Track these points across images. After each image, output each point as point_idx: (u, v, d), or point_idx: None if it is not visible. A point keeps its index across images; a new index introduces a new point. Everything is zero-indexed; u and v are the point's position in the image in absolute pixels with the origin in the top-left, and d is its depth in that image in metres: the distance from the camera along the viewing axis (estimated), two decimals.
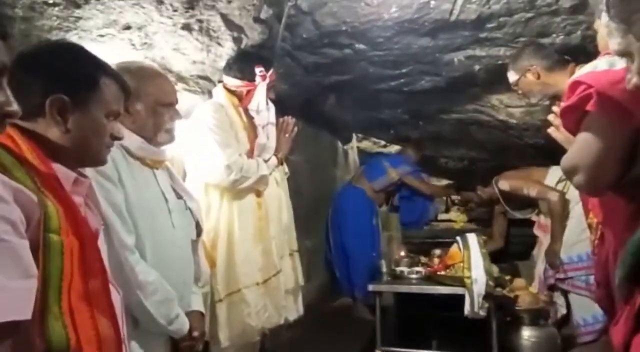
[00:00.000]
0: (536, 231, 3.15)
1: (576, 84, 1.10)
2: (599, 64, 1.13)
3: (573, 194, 2.66)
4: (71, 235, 0.85)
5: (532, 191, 3.02)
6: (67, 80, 0.96)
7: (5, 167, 0.81)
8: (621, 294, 1.01)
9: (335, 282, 3.98)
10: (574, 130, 1.13)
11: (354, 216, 3.87)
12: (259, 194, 2.06)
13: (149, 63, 1.84)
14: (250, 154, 2.06)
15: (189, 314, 1.47)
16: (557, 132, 1.31)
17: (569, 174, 1.11)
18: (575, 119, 1.10)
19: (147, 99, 1.45)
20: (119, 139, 1.10)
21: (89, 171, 1.08)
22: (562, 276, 2.71)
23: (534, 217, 3.17)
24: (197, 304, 1.56)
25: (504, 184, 3.18)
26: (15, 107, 0.75)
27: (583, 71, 1.15)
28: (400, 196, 4.44)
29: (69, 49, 1.07)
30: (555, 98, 2.28)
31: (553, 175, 2.93)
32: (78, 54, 1.04)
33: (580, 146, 1.07)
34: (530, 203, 3.16)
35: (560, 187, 2.82)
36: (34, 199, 0.80)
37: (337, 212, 3.98)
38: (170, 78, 1.95)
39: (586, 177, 1.05)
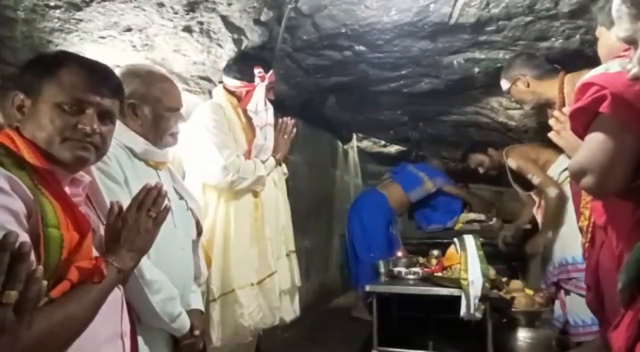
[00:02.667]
0: (536, 212, 3.04)
1: (587, 85, 1.06)
2: (610, 66, 1.10)
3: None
4: (71, 229, 0.88)
5: (535, 179, 2.92)
6: (24, 75, 0.97)
7: (4, 165, 0.84)
8: (623, 298, 0.99)
9: (348, 274, 4.08)
10: (582, 133, 1.09)
11: (368, 222, 3.88)
12: (256, 194, 2.06)
13: (157, 67, 1.85)
14: (247, 154, 2.07)
15: (189, 312, 1.48)
16: (558, 136, 1.30)
17: (578, 175, 1.07)
18: (585, 121, 1.07)
19: (155, 103, 1.47)
20: (90, 134, 0.96)
21: (94, 172, 1.09)
22: (564, 276, 2.72)
23: (534, 196, 3.06)
24: (197, 303, 1.58)
25: (512, 161, 3.08)
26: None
27: (594, 73, 1.10)
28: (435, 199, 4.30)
29: (43, 52, 1.07)
30: (547, 105, 2.30)
31: (561, 162, 2.82)
32: (42, 51, 1.05)
33: (591, 148, 1.04)
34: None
35: (563, 176, 2.78)
36: (31, 196, 0.83)
37: (354, 214, 4.02)
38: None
39: (595, 180, 1.02)
